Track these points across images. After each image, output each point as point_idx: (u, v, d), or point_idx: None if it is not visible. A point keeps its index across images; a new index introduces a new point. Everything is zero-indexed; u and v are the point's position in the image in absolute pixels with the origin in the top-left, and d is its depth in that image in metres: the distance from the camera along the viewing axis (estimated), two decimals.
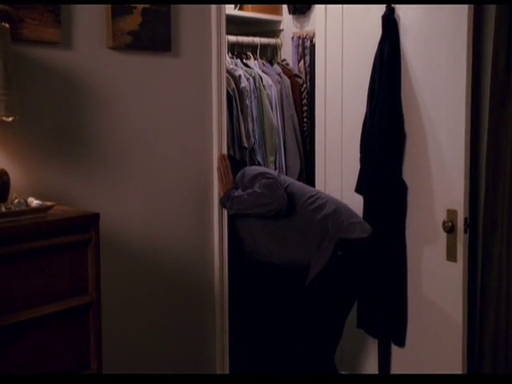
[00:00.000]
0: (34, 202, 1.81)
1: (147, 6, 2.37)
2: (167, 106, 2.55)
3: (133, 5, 2.32)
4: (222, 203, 2.79)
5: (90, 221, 1.80)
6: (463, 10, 2.66)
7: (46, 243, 1.71)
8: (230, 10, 3.43)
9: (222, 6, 2.71)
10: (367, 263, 2.81)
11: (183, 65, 2.59)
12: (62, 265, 1.76)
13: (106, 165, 2.35)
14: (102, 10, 2.27)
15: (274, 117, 3.39)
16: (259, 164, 3.29)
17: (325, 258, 2.70)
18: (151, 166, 2.51)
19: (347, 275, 2.74)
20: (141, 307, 2.52)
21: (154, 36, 2.42)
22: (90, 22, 2.24)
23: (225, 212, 2.83)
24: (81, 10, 2.21)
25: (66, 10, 2.15)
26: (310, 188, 2.96)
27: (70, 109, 2.23)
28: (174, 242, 2.62)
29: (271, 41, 3.65)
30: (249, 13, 3.55)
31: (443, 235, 2.80)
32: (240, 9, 3.54)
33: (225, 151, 2.81)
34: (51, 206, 1.80)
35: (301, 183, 3.02)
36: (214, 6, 2.67)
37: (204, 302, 2.79)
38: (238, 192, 2.78)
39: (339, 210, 2.79)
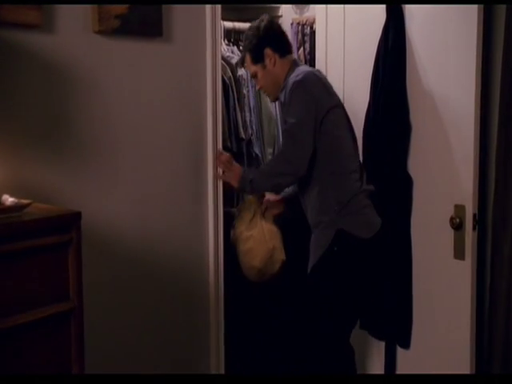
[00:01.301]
0: (9, 199, 1.66)
1: None
2: (158, 95, 2.40)
3: None
4: (242, 190, 2.66)
5: (71, 220, 1.65)
6: None
7: (22, 245, 1.56)
8: None
9: None
10: (366, 265, 2.67)
11: (176, 51, 2.45)
12: (40, 269, 1.61)
13: (91, 158, 2.20)
14: None
15: (272, 106, 3.27)
16: (257, 157, 3.15)
17: (323, 245, 2.59)
18: (141, 159, 2.37)
19: (344, 271, 2.61)
20: (129, 312, 2.37)
21: (144, 20, 2.27)
22: (74, 4, 2.08)
23: (220, 207, 2.69)
24: None
25: None
26: (356, 158, 2.71)
27: (52, 97, 2.08)
28: (166, 240, 2.48)
29: None
30: None
31: (450, 232, 2.67)
32: None
33: (220, 143, 2.67)
34: (28, 205, 1.65)
35: (351, 147, 2.69)
36: None
37: (198, 303, 2.65)
38: (252, 173, 2.61)
39: (360, 198, 2.63)
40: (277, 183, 2.61)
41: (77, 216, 1.66)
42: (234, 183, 2.62)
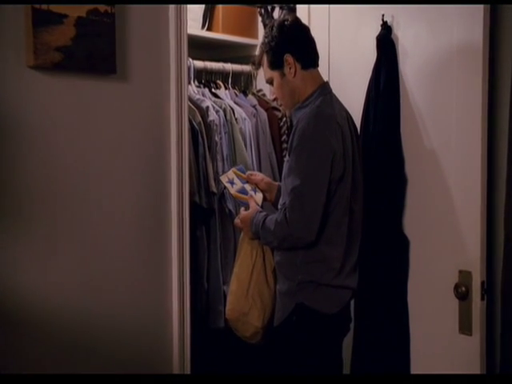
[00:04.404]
0: None
1: (83, 15, 1.85)
2: (111, 143, 2.04)
3: (63, 13, 1.80)
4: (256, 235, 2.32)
5: None
6: (475, 29, 2.23)
7: None
8: (197, 30, 2.98)
9: (183, 19, 2.21)
10: (329, 339, 2.31)
11: (132, 91, 2.09)
12: None
13: (19, 222, 1.81)
14: (19, 17, 1.74)
15: (248, 156, 2.94)
16: (230, 213, 2.78)
17: (283, 310, 2.27)
18: (87, 223, 1.99)
19: (303, 343, 2.25)
20: None
21: (92, 54, 1.91)
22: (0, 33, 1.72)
23: (187, 275, 2.31)
24: None
25: None
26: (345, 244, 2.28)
27: None
28: (118, 327, 2.10)
29: (245, 68, 3.19)
30: (219, 34, 3.09)
31: (454, 302, 2.34)
32: (208, 29, 3.07)
33: (187, 198, 2.31)
34: None
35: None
36: (172, 19, 2.17)
37: None
38: (260, 229, 2.27)
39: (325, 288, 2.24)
40: (282, 246, 2.26)
41: None
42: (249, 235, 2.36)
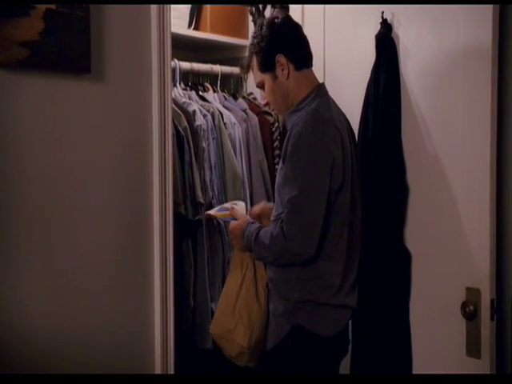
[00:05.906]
0: None
1: (52, 6, 1.67)
2: (83, 151, 1.88)
3: (30, 4, 1.62)
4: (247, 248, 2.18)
5: None
6: (484, 29, 2.10)
7: None
8: (183, 29, 2.84)
9: (167, 16, 2.05)
10: (327, 363, 2.17)
11: (109, 93, 1.93)
12: None
13: None
14: None
15: (238, 163, 2.82)
16: (218, 225, 2.65)
17: (278, 333, 2.13)
18: (59, 239, 1.83)
19: (300, 368, 2.11)
20: None
21: (63, 50, 1.74)
22: None
23: (170, 292, 2.16)
24: None
25: None
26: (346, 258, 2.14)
27: None
28: (97, 342, 1.95)
29: (235, 70, 3.06)
30: (207, 34, 2.96)
31: (461, 322, 2.22)
32: (196, 29, 2.92)
33: (171, 209, 2.16)
34: None
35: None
36: (154, 16, 2.01)
37: None
38: (253, 242, 2.12)
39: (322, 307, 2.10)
40: (278, 261, 2.11)
41: None
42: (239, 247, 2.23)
